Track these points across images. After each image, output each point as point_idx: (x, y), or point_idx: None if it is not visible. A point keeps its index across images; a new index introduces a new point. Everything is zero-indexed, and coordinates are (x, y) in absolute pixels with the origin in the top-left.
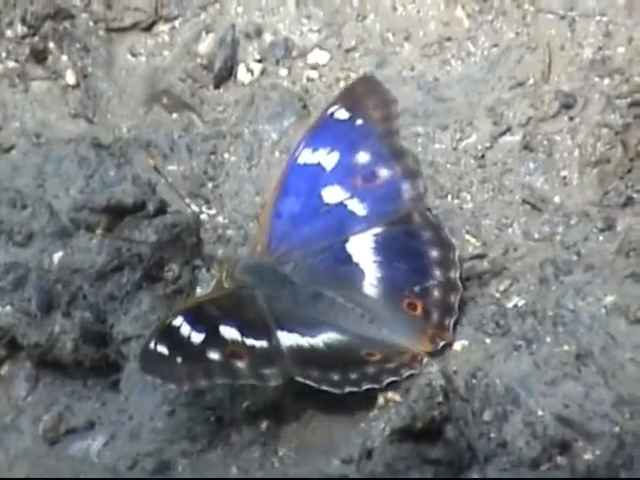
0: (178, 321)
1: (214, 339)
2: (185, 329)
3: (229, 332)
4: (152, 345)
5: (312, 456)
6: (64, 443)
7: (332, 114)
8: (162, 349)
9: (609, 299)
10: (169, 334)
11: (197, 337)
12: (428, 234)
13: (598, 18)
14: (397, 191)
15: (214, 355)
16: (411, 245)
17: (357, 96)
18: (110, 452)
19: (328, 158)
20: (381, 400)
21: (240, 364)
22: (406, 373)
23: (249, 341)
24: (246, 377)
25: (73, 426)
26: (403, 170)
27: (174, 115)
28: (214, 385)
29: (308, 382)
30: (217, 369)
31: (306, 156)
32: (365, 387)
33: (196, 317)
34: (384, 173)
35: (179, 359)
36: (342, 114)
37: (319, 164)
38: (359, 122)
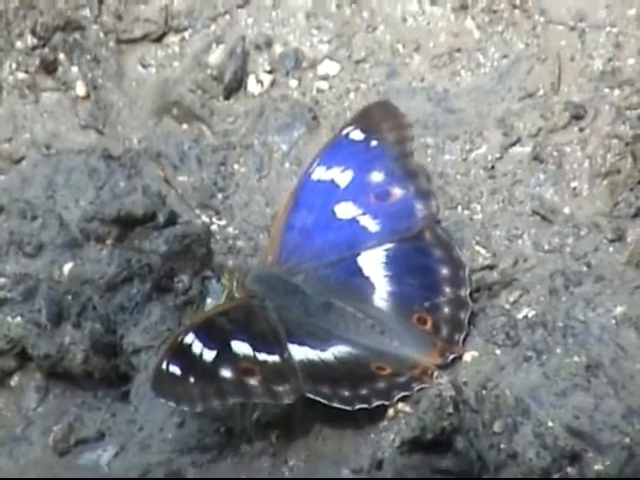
0: (190, 338)
1: (226, 355)
2: (197, 347)
3: (241, 347)
4: (164, 365)
5: (322, 466)
6: (74, 454)
7: (347, 134)
8: (174, 369)
9: (619, 310)
10: (181, 353)
11: (209, 354)
12: (439, 252)
13: (608, 29)
14: (410, 210)
15: (226, 373)
16: (422, 262)
17: (372, 119)
18: (120, 463)
19: (342, 176)
20: (391, 411)
21: (253, 381)
22: (417, 387)
23: (261, 356)
24: (259, 395)
25: (83, 437)
26: (416, 190)
27: (184, 126)
28: (227, 404)
29: (319, 399)
30: (230, 388)
31: (320, 173)
32: (375, 404)
33: (207, 332)
34: (397, 192)
35: (191, 379)
36: (357, 135)
37: (333, 181)
38: (374, 143)
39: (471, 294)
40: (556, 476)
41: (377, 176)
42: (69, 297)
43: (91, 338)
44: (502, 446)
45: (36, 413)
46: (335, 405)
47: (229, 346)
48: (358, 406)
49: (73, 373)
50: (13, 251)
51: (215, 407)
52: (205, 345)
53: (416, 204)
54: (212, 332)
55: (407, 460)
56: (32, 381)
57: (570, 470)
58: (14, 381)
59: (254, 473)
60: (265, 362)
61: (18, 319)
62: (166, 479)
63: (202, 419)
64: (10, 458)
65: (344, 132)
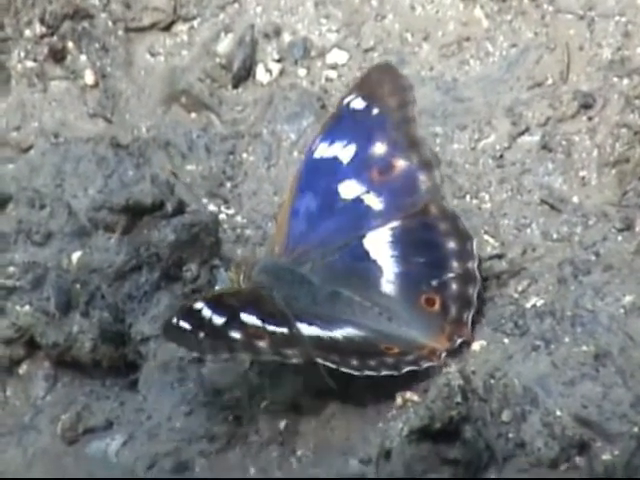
0: (199, 305)
1: (235, 323)
2: (207, 312)
3: (249, 319)
4: (175, 320)
5: (330, 456)
6: (82, 443)
7: (348, 104)
8: (185, 325)
9: (628, 299)
10: (191, 314)
11: (218, 320)
12: (445, 225)
13: (617, 18)
14: (413, 182)
15: (236, 335)
16: (428, 237)
17: (373, 84)
18: (128, 452)
19: (345, 151)
20: (399, 400)
21: (262, 344)
22: (425, 365)
23: (270, 327)
24: (268, 354)
25: (91, 426)
26: (419, 160)
27: (193, 115)
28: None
29: (328, 364)
30: (239, 346)
31: (322, 150)
32: (384, 373)
33: (217, 305)
34: (400, 164)
35: (201, 334)
36: (358, 103)
37: (336, 158)
38: (375, 111)
39: (480, 273)
40: (564, 466)
41: (379, 148)
42: (77, 286)
43: (99, 327)
44: (510, 435)
45: (44, 402)
46: (344, 370)
47: (238, 316)
48: (367, 373)
49: (81, 362)
50: (22, 240)
51: (225, 358)
52: (215, 312)
53: (419, 176)
54: (221, 305)
55: (415, 449)
56: (40, 370)
57: (578, 459)
58: (22, 369)
59: (262, 463)
60: (274, 332)
61: (27, 307)
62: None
63: (210, 408)
64: (18, 447)
65: (345, 102)
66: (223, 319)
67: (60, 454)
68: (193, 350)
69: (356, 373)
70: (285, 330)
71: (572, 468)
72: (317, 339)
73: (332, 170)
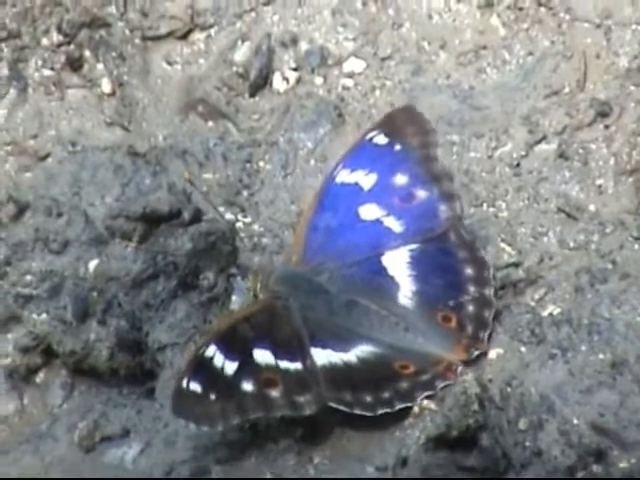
0: (211, 350)
1: (248, 366)
2: (218, 359)
3: (263, 356)
4: (185, 384)
5: (347, 464)
6: (99, 451)
7: (371, 139)
8: (195, 387)
9: None
10: (202, 368)
11: (230, 367)
12: (463, 252)
13: (634, 27)
14: (434, 211)
15: (248, 386)
16: (446, 262)
17: (396, 123)
18: (145, 460)
19: (366, 179)
20: (416, 408)
21: (274, 393)
22: (440, 385)
23: (283, 364)
24: (280, 407)
25: (108, 434)
26: (440, 192)
27: (210, 123)
28: (248, 421)
29: (341, 407)
30: (251, 402)
31: (344, 176)
32: (398, 406)
33: (229, 342)
34: (421, 194)
35: (212, 396)
36: (381, 139)
37: (357, 184)
38: (397, 147)
39: (496, 292)
40: (581, 474)
41: (401, 179)
42: (94, 294)
43: (116, 335)
44: (527, 444)
45: (61, 410)
46: (357, 412)
47: (251, 356)
48: (381, 411)
49: (98, 370)
50: (39, 248)
51: (236, 424)
52: (226, 357)
53: (440, 206)
54: (234, 341)
55: (432, 457)
56: (57, 378)
57: (595, 468)
58: (40, 378)
59: (279, 470)
60: (287, 370)
61: (44, 316)
62: (192, 479)
63: None
64: (35, 455)
65: (368, 137)
66: (235, 364)
67: (77, 462)
68: (203, 423)
69: (369, 414)
70: (299, 365)
71: (589, 476)
72: (330, 369)
73: (353, 194)
